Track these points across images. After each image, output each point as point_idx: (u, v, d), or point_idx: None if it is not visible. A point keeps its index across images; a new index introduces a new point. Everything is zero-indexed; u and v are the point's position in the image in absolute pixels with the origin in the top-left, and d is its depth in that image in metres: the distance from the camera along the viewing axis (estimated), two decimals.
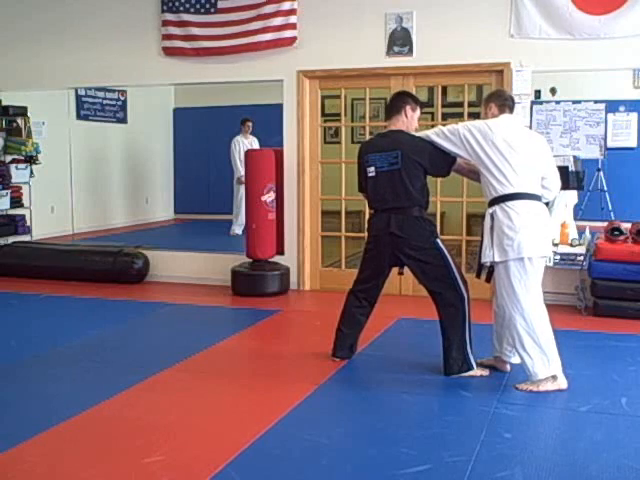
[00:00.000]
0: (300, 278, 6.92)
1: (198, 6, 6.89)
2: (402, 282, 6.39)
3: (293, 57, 6.68)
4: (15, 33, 7.59)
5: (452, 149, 4.15)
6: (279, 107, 6.84)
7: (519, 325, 3.96)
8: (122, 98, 10.41)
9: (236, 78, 6.97)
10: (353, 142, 8.83)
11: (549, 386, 3.97)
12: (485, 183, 4.08)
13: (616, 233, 5.85)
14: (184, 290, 6.96)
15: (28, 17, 7.54)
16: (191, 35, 6.93)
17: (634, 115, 6.34)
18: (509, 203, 3.96)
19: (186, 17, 6.93)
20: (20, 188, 8.06)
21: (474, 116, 5.70)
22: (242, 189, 8.64)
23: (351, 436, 3.45)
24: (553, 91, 7.17)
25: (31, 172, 8.05)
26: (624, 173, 7.97)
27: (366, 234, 4.52)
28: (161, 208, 11.63)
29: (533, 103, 6.19)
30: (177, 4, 6.95)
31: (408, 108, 4.35)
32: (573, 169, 5.88)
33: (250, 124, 9.80)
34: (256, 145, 9.48)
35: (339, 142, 7.34)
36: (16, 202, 7.99)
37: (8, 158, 7.92)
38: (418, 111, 4.41)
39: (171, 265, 7.36)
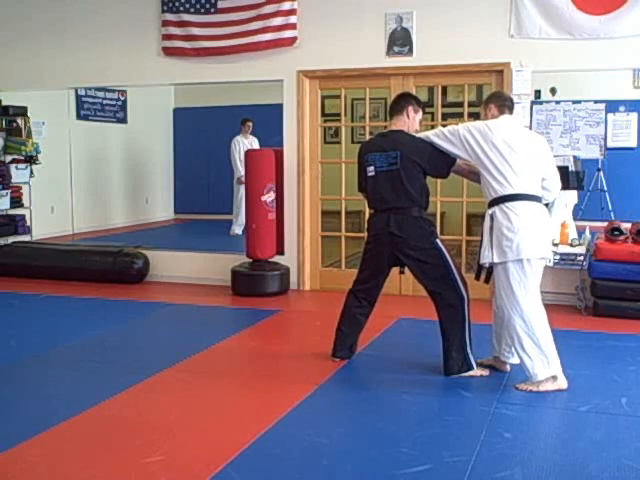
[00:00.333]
0: (300, 278, 6.92)
1: (198, 6, 6.89)
2: (402, 282, 6.39)
3: (293, 57, 6.68)
4: (15, 33, 7.59)
5: (452, 150, 4.15)
6: (279, 107, 6.84)
7: (518, 326, 3.96)
8: (122, 98, 10.41)
9: (236, 78, 6.97)
10: (353, 142, 8.83)
11: (549, 386, 3.97)
12: (485, 184, 4.08)
13: (616, 233, 5.85)
14: (184, 290, 6.96)
15: (28, 17, 7.54)
16: (191, 35, 6.93)
17: (634, 115, 6.35)
18: (509, 204, 3.96)
19: (186, 17, 6.93)
20: (20, 188, 8.06)
21: (474, 116, 5.70)
22: (242, 189, 8.63)
23: (351, 436, 3.45)
24: (553, 91, 7.17)
25: (31, 172, 8.05)
26: (624, 173, 7.97)
27: (366, 234, 4.52)
28: (161, 208, 11.62)
29: (533, 103, 6.19)
30: (177, 4, 6.95)
31: (410, 109, 4.37)
32: (573, 169, 5.89)
33: (250, 124, 9.80)
34: (256, 145, 9.48)
35: (339, 142, 7.33)
36: (16, 202, 7.99)
37: (8, 158, 7.92)
38: (420, 113, 4.43)
39: (171, 265, 7.36)
